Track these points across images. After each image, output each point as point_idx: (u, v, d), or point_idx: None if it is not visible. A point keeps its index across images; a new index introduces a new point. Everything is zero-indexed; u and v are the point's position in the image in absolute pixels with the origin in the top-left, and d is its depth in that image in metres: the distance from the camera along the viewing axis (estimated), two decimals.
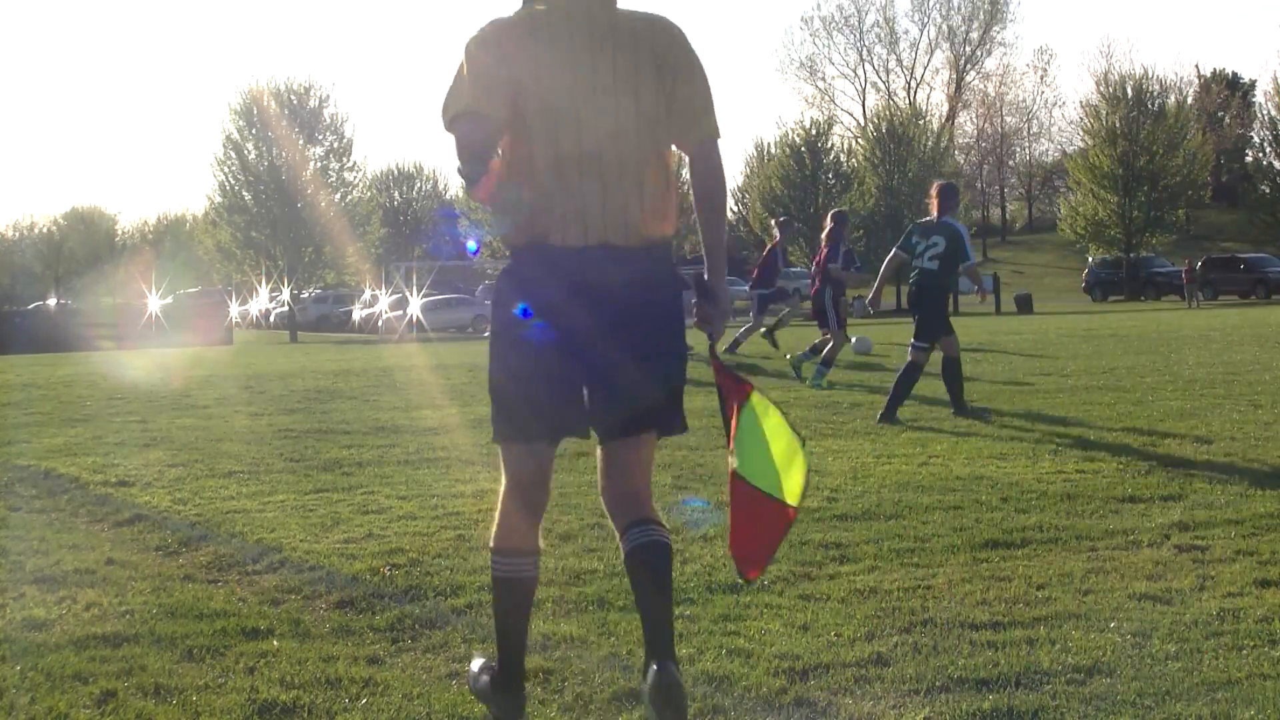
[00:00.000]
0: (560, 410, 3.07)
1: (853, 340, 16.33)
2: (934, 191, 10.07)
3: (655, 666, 2.94)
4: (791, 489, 3.14)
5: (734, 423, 3.12)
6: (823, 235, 13.49)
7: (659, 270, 3.08)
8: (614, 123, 3.00)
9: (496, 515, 3.20)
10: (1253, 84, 79.45)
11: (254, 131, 49.77)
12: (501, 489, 3.19)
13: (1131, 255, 56.05)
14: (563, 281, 2.99)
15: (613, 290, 2.99)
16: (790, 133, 61.36)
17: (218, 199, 50.72)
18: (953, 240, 9.58)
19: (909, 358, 9.71)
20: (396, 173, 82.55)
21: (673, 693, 2.88)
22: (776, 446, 3.12)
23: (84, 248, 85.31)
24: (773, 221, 17.95)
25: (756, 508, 3.14)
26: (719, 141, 3.10)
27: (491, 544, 3.19)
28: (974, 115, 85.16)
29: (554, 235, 3.00)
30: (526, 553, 3.16)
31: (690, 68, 3.10)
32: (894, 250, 10.12)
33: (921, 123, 63.62)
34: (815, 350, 13.16)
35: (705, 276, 3.13)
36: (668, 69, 3.07)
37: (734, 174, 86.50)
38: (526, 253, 3.05)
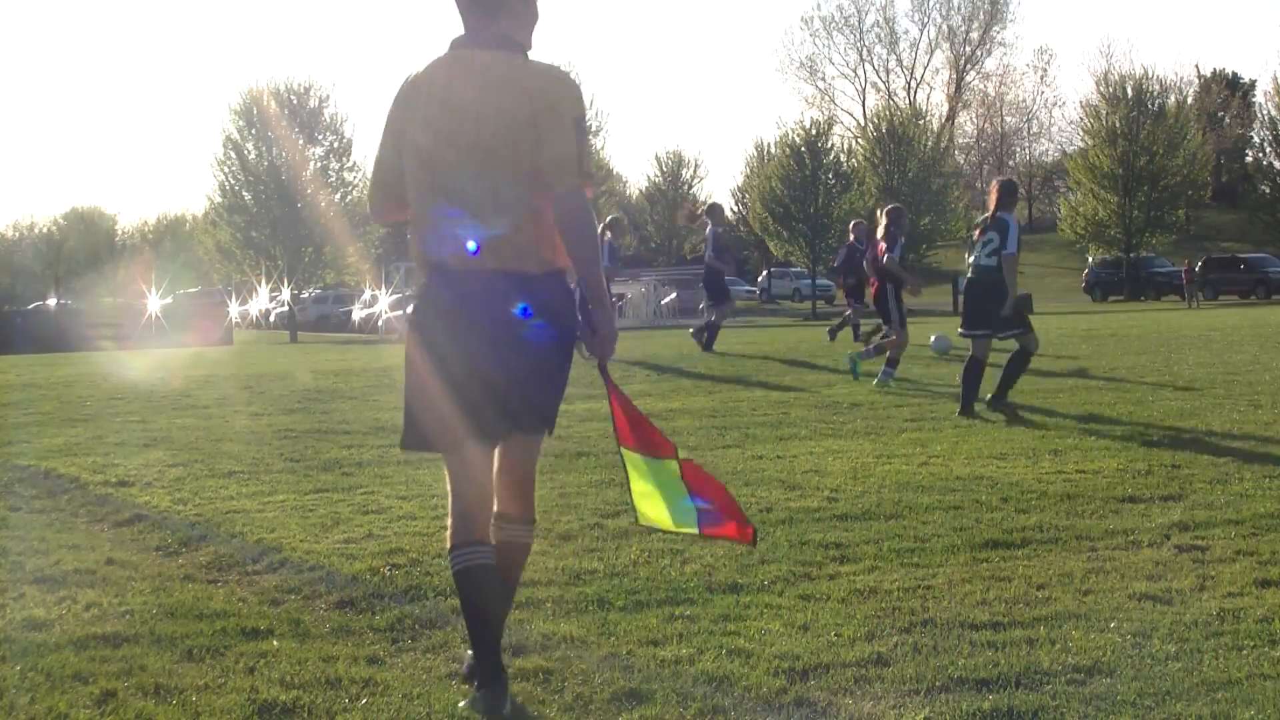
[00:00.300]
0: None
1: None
2: (993, 187, 10.03)
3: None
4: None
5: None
6: (879, 232, 13.37)
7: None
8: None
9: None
10: (1253, 84, 79.45)
11: (254, 131, 49.75)
12: None
13: (1131, 255, 56.05)
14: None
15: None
16: (790, 133, 61.34)
17: (218, 199, 50.71)
18: (1003, 234, 9.56)
19: (972, 352, 9.76)
20: None
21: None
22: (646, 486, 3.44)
23: (84, 248, 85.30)
24: (851, 225, 18.48)
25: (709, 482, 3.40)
26: (575, 184, 3.32)
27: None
28: (974, 115, 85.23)
29: None
30: (471, 542, 3.39)
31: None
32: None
33: (921, 123, 63.60)
34: (878, 350, 12.97)
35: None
36: None
37: (734, 174, 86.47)
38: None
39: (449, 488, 3.43)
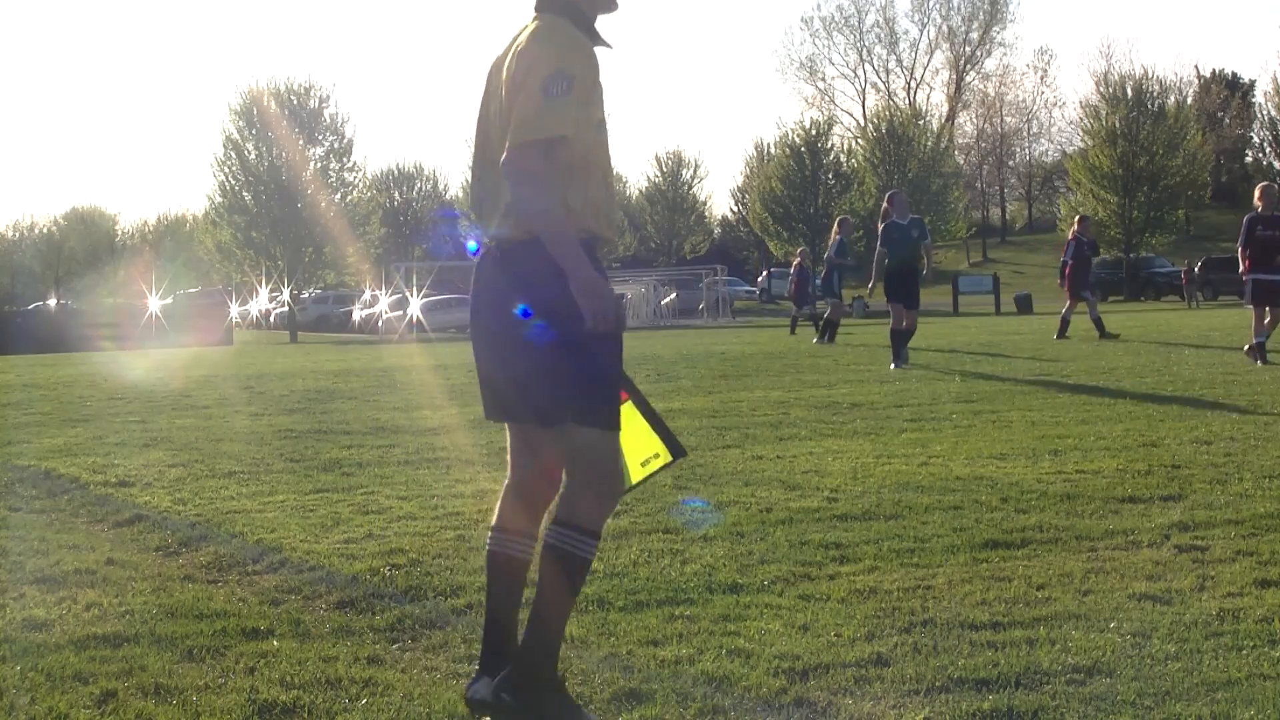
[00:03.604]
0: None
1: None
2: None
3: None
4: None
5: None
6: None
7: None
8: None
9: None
10: (1252, 84, 79.49)
11: (254, 132, 49.77)
12: None
13: (1131, 255, 56.06)
14: None
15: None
16: (790, 133, 61.40)
17: (218, 199, 50.72)
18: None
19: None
20: (396, 173, 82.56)
21: None
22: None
23: (84, 248, 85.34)
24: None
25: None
26: (516, 150, 3.05)
27: None
28: (974, 115, 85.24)
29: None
30: (509, 530, 3.35)
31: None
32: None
33: (921, 123, 63.66)
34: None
35: None
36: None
37: (734, 174, 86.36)
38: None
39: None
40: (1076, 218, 21.19)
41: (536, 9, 3.29)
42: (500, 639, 3.36)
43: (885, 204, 15.10)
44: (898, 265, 14.57)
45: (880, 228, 14.88)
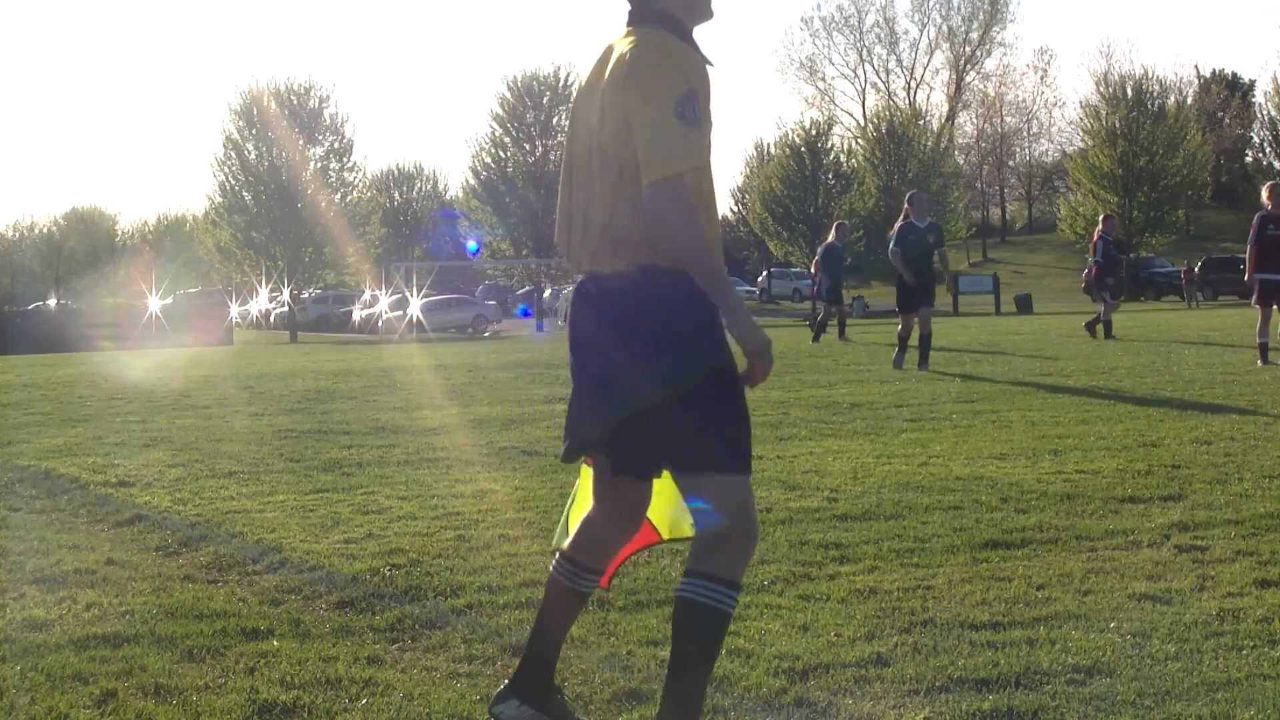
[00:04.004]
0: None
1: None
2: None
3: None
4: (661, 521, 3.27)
5: None
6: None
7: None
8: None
9: None
10: (1252, 84, 79.48)
11: (254, 132, 49.79)
12: None
13: (1131, 255, 56.06)
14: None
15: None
16: (790, 133, 61.37)
17: (218, 199, 50.74)
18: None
19: None
20: (396, 173, 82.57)
21: None
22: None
23: (84, 248, 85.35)
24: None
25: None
26: (659, 185, 2.78)
27: None
28: (974, 115, 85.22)
29: None
30: (580, 565, 3.17)
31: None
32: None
33: (921, 123, 63.67)
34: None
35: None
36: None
37: (734, 174, 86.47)
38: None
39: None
40: (1101, 217, 21.18)
41: (631, 22, 2.98)
42: (542, 666, 3.18)
43: (906, 204, 14.83)
44: (913, 269, 14.14)
45: (896, 228, 14.62)
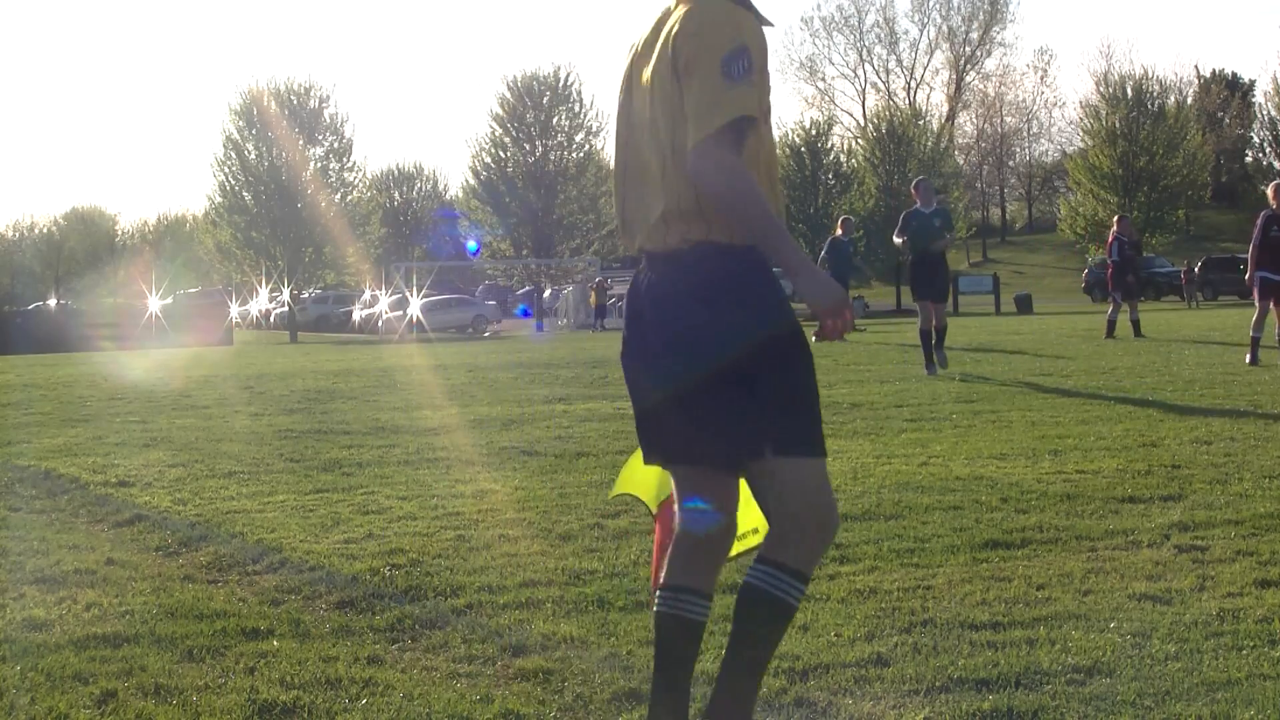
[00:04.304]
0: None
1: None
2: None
3: None
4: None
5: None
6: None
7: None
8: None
9: None
10: (1252, 84, 79.49)
11: (254, 132, 49.78)
12: None
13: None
14: None
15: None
16: (790, 133, 61.35)
17: (218, 199, 50.73)
18: None
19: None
20: (396, 173, 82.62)
21: None
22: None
23: (84, 248, 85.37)
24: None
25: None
26: (704, 143, 2.66)
27: None
28: (974, 115, 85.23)
29: None
30: (682, 589, 2.88)
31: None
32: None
33: (921, 123, 63.65)
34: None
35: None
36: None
37: None
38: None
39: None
40: (1116, 218, 21.36)
41: None
42: (675, 711, 2.87)
43: (911, 190, 14.35)
44: (920, 256, 13.65)
45: (901, 215, 14.17)
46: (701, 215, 2.72)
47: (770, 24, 2.81)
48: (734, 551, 3.05)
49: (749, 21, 2.73)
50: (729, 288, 2.71)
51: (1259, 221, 13.24)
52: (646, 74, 2.82)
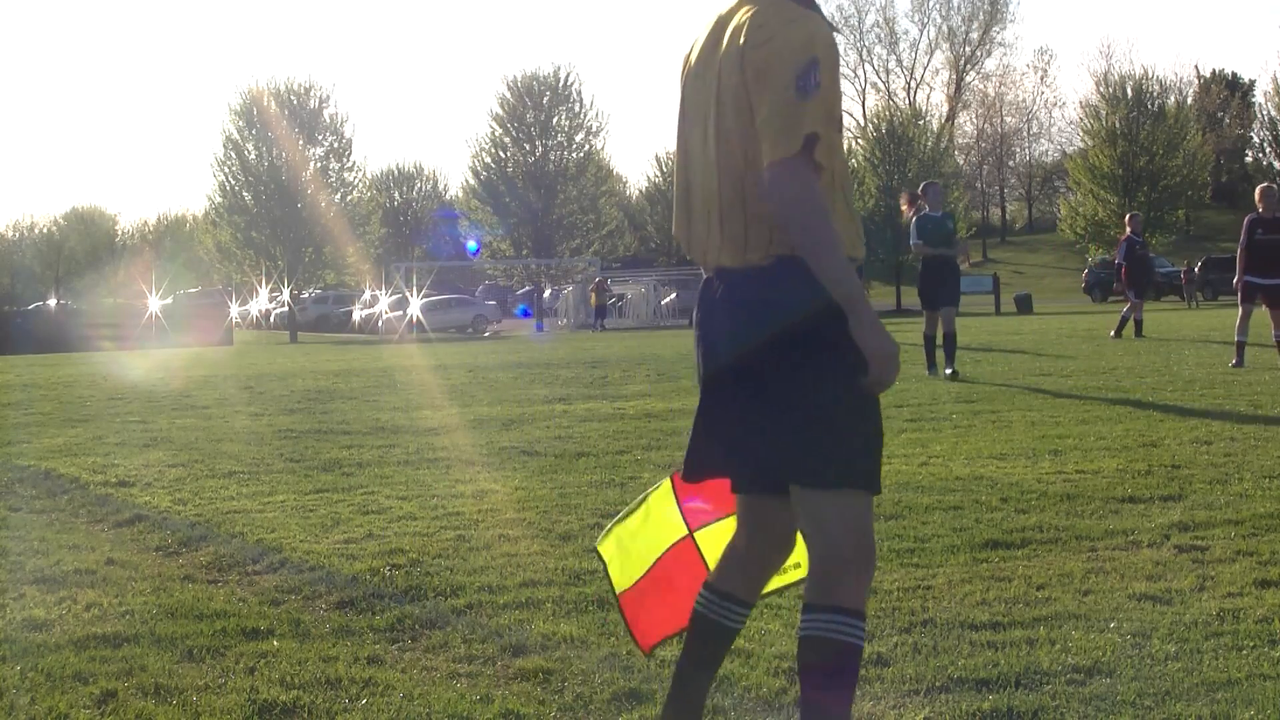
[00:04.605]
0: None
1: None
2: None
3: None
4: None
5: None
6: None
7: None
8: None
9: None
10: (1252, 84, 79.50)
11: (254, 132, 49.79)
12: None
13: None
14: None
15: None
16: None
17: (218, 199, 50.75)
18: None
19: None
20: (396, 173, 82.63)
21: None
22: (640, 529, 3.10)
23: (84, 248, 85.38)
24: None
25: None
26: (779, 166, 2.55)
27: None
28: (974, 115, 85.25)
29: None
30: (729, 597, 2.87)
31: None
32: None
33: (921, 123, 63.60)
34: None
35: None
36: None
37: None
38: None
39: None
40: (1128, 216, 21.55)
41: None
42: (690, 706, 2.90)
43: (919, 195, 13.87)
44: (934, 260, 13.34)
45: (912, 221, 13.73)
46: (782, 231, 2.61)
47: (836, 29, 2.73)
48: (772, 585, 2.99)
49: (821, 28, 2.63)
50: (814, 309, 2.59)
51: (1245, 225, 13.27)
52: (710, 83, 2.72)
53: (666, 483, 3.09)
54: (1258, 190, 13.61)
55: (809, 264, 2.55)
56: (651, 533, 3.10)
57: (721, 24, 2.74)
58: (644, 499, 3.13)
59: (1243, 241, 13.20)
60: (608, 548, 3.13)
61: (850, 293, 2.53)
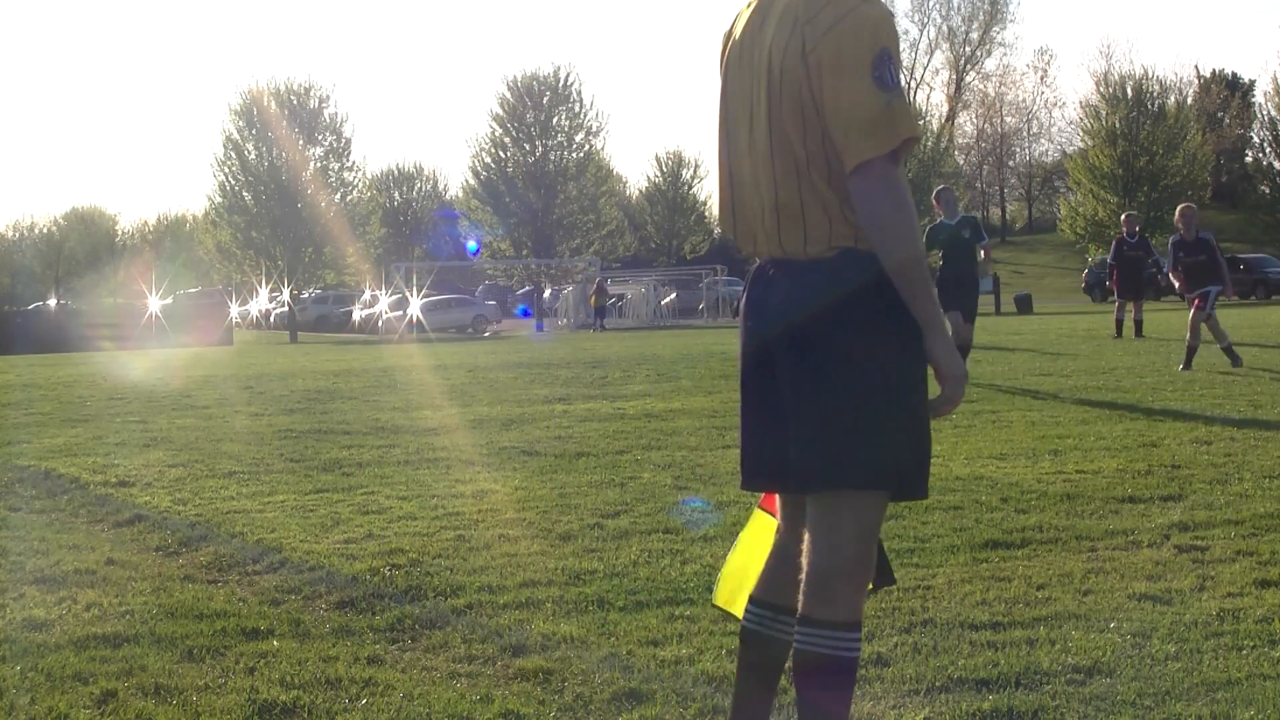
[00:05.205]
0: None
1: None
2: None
3: None
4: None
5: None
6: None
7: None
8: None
9: None
10: (1252, 84, 79.43)
11: (254, 132, 49.76)
12: None
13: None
14: None
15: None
16: None
17: (218, 199, 50.72)
18: None
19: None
20: (396, 173, 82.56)
21: None
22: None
23: (84, 248, 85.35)
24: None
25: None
26: (868, 168, 2.44)
27: None
28: (974, 116, 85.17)
29: None
30: (777, 607, 2.72)
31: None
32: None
33: (921, 123, 63.61)
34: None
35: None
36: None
37: None
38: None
39: None
40: (1124, 217, 21.74)
41: None
42: None
43: (933, 201, 13.43)
44: (951, 272, 12.70)
45: (926, 229, 13.19)
46: (846, 222, 2.51)
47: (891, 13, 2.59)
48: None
49: (883, 11, 2.49)
50: (881, 305, 2.49)
51: (1169, 248, 13.60)
52: (757, 65, 2.57)
53: (755, 510, 2.98)
54: (1177, 211, 13.70)
55: (896, 278, 2.46)
56: (753, 541, 2.97)
57: (764, 4, 2.61)
58: (738, 539, 3.03)
59: (1169, 265, 13.55)
60: (722, 593, 3.01)
61: (932, 312, 2.47)
